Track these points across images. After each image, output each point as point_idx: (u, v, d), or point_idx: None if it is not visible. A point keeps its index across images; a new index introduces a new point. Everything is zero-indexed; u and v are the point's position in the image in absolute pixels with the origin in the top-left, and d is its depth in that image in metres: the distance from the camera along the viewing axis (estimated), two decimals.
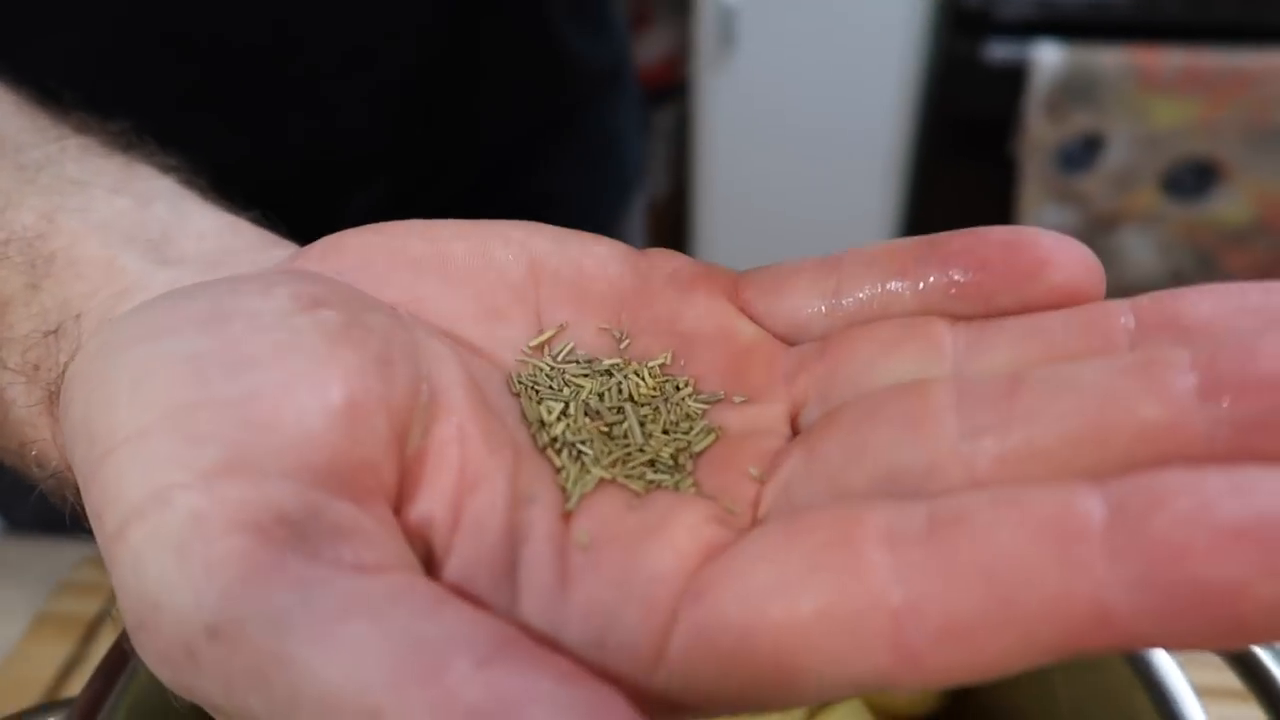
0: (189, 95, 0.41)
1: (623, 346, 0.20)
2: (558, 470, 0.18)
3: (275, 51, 0.42)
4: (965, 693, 0.34)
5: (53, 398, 0.19)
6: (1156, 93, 1.17)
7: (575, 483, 0.18)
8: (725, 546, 0.16)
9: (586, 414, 0.19)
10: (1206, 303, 0.16)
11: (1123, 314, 0.17)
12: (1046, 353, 0.17)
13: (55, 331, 0.19)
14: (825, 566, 0.14)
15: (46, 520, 0.45)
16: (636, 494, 0.18)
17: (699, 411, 0.19)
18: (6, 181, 0.21)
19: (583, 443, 0.18)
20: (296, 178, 0.43)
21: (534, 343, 0.20)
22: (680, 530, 0.16)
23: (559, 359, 0.20)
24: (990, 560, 0.13)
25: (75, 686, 0.39)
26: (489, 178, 0.51)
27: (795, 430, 0.19)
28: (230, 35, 0.41)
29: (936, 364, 0.18)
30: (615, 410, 0.19)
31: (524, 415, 0.19)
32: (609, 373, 0.20)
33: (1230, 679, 0.26)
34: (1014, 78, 1.19)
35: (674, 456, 0.19)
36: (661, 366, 0.20)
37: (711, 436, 0.19)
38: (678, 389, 0.20)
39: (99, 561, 0.17)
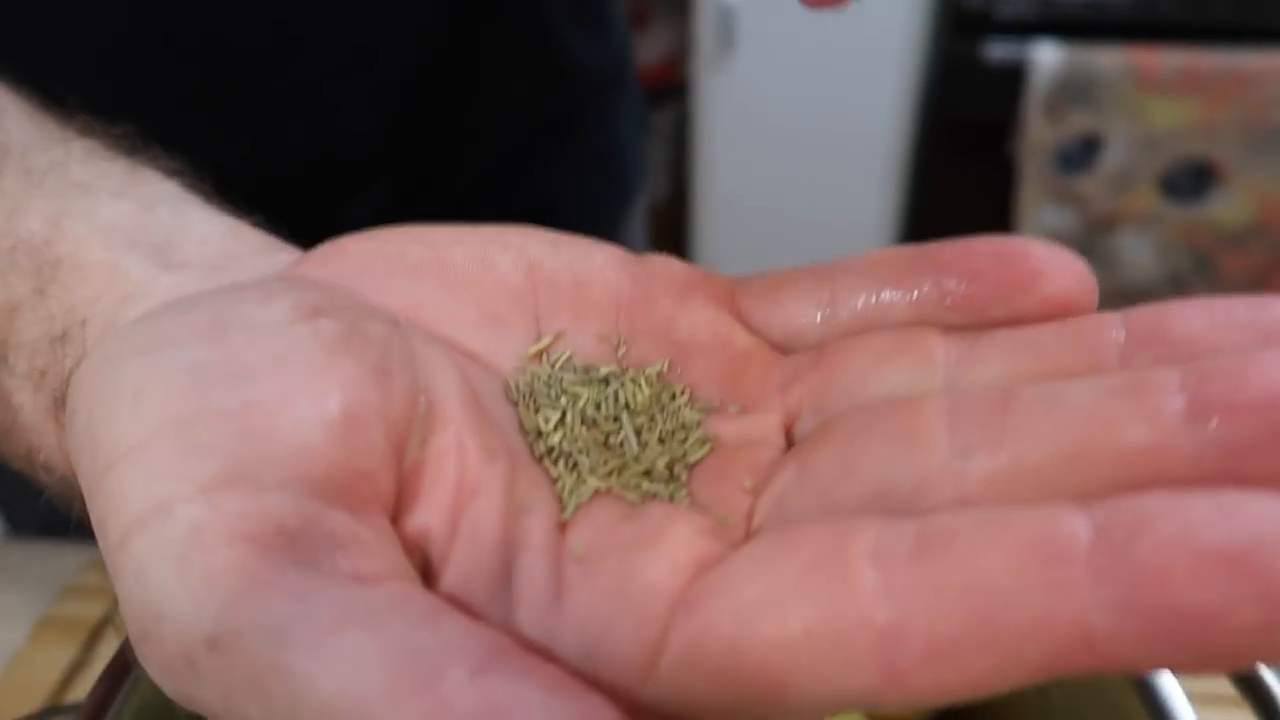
0: (189, 97, 0.41)
1: (620, 353, 0.21)
2: (554, 480, 0.18)
3: (275, 53, 0.42)
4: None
5: (59, 404, 0.19)
6: (1154, 93, 1.17)
7: (571, 493, 0.18)
8: (719, 559, 0.16)
9: (583, 423, 0.19)
10: (1197, 318, 0.17)
11: (1114, 327, 0.17)
12: (1038, 366, 0.17)
13: (62, 337, 0.19)
14: (814, 583, 0.14)
15: (50, 524, 0.45)
16: (632, 504, 0.18)
17: (695, 421, 0.20)
18: (13, 187, 0.21)
19: (579, 452, 0.19)
20: (296, 179, 0.43)
21: (532, 350, 0.20)
22: (674, 542, 0.17)
23: (556, 366, 0.20)
24: (976, 580, 0.13)
25: (78, 691, 0.40)
26: (490, 180, 0.50)
27: (790, 441, 0.19)
28: (230, 36, 0.41)
29: (929, 376, 0.18)
30: (612, 419, 0.20)
31: (521, 424, 0.19)
32: (606, 381, 0.20)
33: (1224, 685, 0.26)
34: (1013, 78, 1.19)
35: (669, 467, 0.19)
36: (658, 374, 0.20)
37: (706, 447, 0.19)
38: (674, 397, 0.20)
39: (102, 566, 0.17)
